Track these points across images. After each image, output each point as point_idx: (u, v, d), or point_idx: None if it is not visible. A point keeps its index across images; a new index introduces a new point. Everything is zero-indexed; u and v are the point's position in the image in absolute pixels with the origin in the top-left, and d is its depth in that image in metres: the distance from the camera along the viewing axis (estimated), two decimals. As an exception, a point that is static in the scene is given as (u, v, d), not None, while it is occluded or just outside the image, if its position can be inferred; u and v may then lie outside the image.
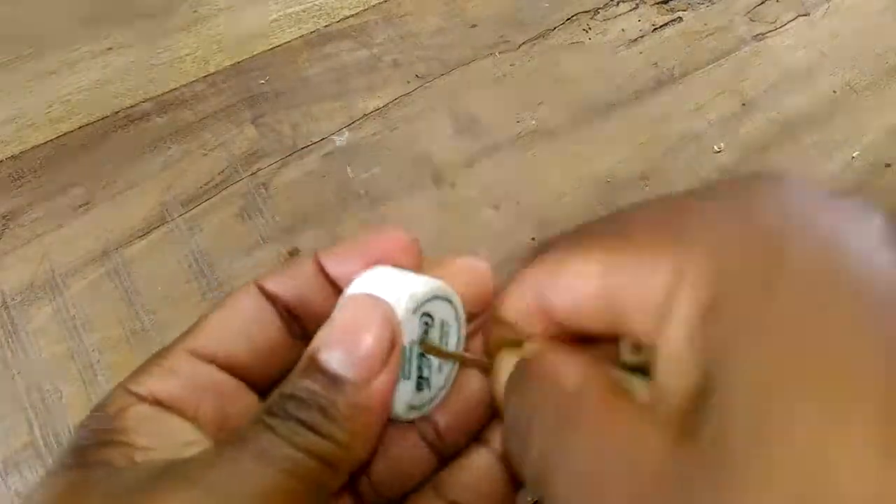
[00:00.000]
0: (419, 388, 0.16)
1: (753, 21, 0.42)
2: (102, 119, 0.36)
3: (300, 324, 0.17)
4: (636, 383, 0.13)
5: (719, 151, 0.37)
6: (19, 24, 0.39)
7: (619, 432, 0.11)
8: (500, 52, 0.40)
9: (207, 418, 0.15)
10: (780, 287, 0.10)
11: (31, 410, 0.30)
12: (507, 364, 0.15)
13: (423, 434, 0.17)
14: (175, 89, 0.37)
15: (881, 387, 0.09)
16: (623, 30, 0.41)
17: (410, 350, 0.15)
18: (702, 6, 0.42)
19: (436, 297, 0.15)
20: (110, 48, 0.38)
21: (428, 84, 0.38)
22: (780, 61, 0.40)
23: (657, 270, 0.12)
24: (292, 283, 0.17)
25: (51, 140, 0.36)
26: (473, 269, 0.17)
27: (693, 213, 0.12)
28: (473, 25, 0.40)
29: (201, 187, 0.35)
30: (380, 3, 0.40)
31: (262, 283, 0.17)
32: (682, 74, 0.39)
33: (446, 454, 0.17)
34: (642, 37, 0.41)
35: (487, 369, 0.16)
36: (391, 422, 0.16)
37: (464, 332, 0.17)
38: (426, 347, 0.16)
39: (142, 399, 0.15)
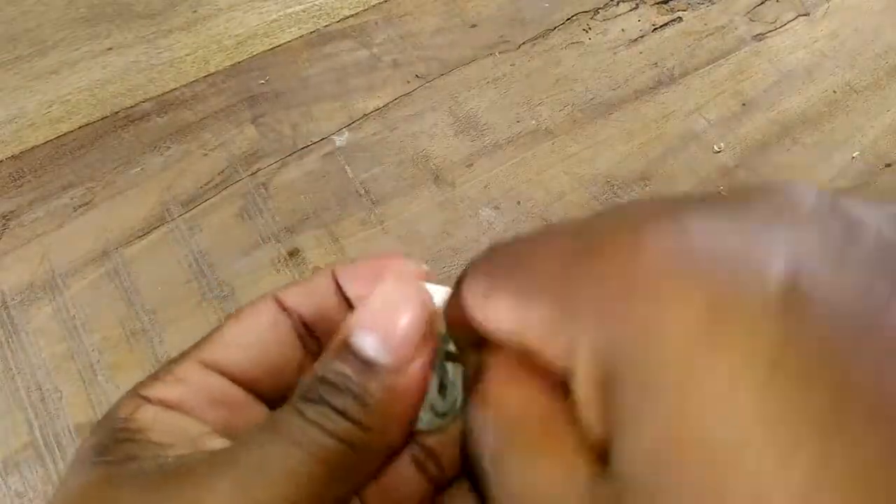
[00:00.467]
0: (441, 392, 0.15)
1: (753, 21, 0.42)
2: (102, 119, 0.36)
3: (315, 339, 0.17)
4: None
5: (719, 151, 0.37)
6: (19, 24, 0.39)
7: (549, 463, 0.11)
8: (500, 52, 0.40)
9: (215, 428, 0.15)
10: (659, 366, 0.09)
11: (31, 410, 0.30)
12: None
13: (416, 458, 0.16)
14: (175, 89, 0.37)
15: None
16: (623, 30, 0.41)
17: (439, 347, 0.15)
18: (702, 6, 0.42)
19: None
20: (110, 48, 0.38)
21: (428, 84, 0.38)
22: (780, 61, 0.40)
23: (558, 332, 0.11)
24: (310, 299, 0.16)
25: (51, 140, 0.36)
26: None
27: (583, 277, 0.11)
28: (473, 25, 0.40)
29: (201, 187, 0.35)
30: (380, 3, 0.40)
31: (281, 296, 0.16)
32: (682, 74, 0.39)
33: (441, 481, 0.16)
34: (642, 37, 0.41)
35: None
36: (412, 435, 0.15)
37: None
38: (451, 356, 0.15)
39: (150, 402, 0.15)
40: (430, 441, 0.16)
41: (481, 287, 0.13)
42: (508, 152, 0.36)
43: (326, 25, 0.40)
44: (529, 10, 0.41)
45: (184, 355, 0.16)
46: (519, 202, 0.35)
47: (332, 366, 0.14)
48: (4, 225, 0.34)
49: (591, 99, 0.38)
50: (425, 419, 0.15)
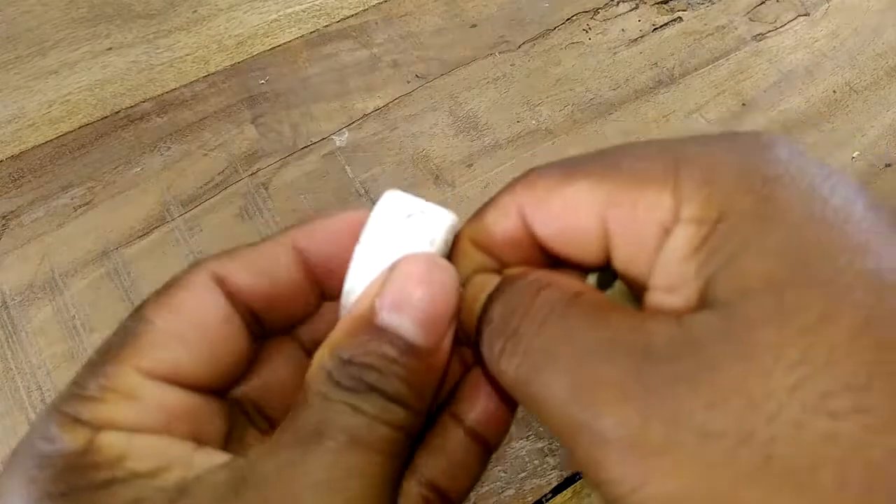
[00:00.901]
0: None
1: (753, 21, 0.42)
2: (102, 119, 0.36)
3: (261, 322, 0.15)
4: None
5: (719, 151, 0.37)
6: (20, 24, 0.39)
7: (619, 322, 0.12)
8: (500, 52, 0.40)
9: (182, 439, 0.13)
10: (776, 218, 0.11)
11: (31, 410, 0.30)
12: (487, 281, 0.15)
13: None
14: (175, 89, 0.37)
15: (865, 300, 0.10)
16: (623, 30, 0.41)
17: None
18: (702, 6, 0.42)
19: (452, 231, 0.15)
20: (110, 48, 0.38)
21: (428, 84, 0.38)
22: (780, 61, 0.40)
23: (655, 202, 0.13)
24: (261, 277, 0.15)
25: (51, 140, 0.36)
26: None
27: (689, 152, 0.13)
28: (473, 25, 0.40)
29: (201, 187, 0.35)
30: (380, 3, 0.40)
31: (222, 272, 0.14)
32: (682, 74, 0.39)
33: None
34: (642, 37, 0.41)
35: None
36: None
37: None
38: None
39: (101, 428, 0.13)
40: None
41: (555, 176, 0.14)
42: (508, 152, 0.36)
43: (326, 25, 0.40)
44: (529, 11, 0.41)
45: (114, 359, 0.13)
46: (519, 202, 0.35)
47: (374, 348, 0.13)
48: (4, 225, 0.34)
49: (591, 99, 0.38)
50: None
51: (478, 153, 0.36)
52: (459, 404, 0.16)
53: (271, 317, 0.15)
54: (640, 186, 0.13)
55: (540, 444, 0.30)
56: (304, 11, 0.40)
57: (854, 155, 0.37)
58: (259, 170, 0.35)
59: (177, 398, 0.14)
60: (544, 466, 0.29)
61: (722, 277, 0.11)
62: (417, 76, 0.39)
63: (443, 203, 0.35)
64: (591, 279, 0.15)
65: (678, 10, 0.42)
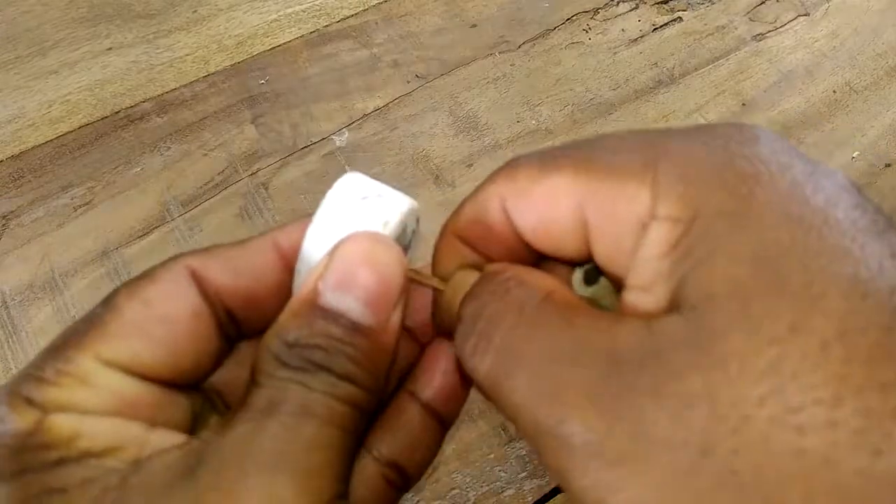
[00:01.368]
0: None
1: (753, 21, 0.42)
2: (102, 119, 0.36)
3: (235, 322, 0.15)
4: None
5: (719, 151, 0.37)
6: (20, 24, 0.39)
7: (587, 325, 0.12)
8: (500, 52, 0.40)
9: (136, 420, 0.13)
10: (751, 218, 0.11)
11: (31, 410, 0.30)
12: (467, 278, 0.15)
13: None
14: (175, 89, 0.37)
15: (838, 309, 0.10)
16: (623, 30, 0.41)
17: None
18: (702, 6, 0.42)
19: (410, 216, 0.15)
20: (110, 48, 0.38)
21: (428, 84, 0.38)
22: (780, 61, 0.40)
23: (633, 198, 0.12)
24: (240, 276, 0.14)
25: (51, 140, 0.36)
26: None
27: (669, 146, 0.12)
28: (473, 25, 0.40)
29: (201, 187, 0.35)
30: (380, 3, 0.40)
31: (199, 267, 0.14)
32: (682, 74, 0.39)
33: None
34: (642, 37, 0.41)
35: (434, 287, 0.16)
36: None
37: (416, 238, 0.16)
38: (413, 277, 0.15)
39: (49, 410, 0.12)
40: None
41: (535, 166, 0.13)
42: (508, 152, 0.36)
43: (326, 25, 0.40)
44: (529, 11, 0.41)
45: (75, 343, 0.13)
46: (519, 202, 0.35)
47: (319, 328, 0.13)
48: (5, 225, 0.34)
49: (591, 99, 0.38)
50: None
51: (478, 153, 0.36)
52: (415, 382, 0.16)
53: (249, 317, 0.15)
54: (619, 180, 0.12)
55: (540, 444, 0.30)
56: (304, 11, 0.40)
57: (854, 155, 0.37)
58: (259, 170, 0.35)
59: (133, 387, 0.13)
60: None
61: (691, 280, 0.11)
62: (417, 76, 0.39)
63: (443, 203, 0.35)
64: (578, 274, 0.15)
65: (678, 10, 0.42)
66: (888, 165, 0.37)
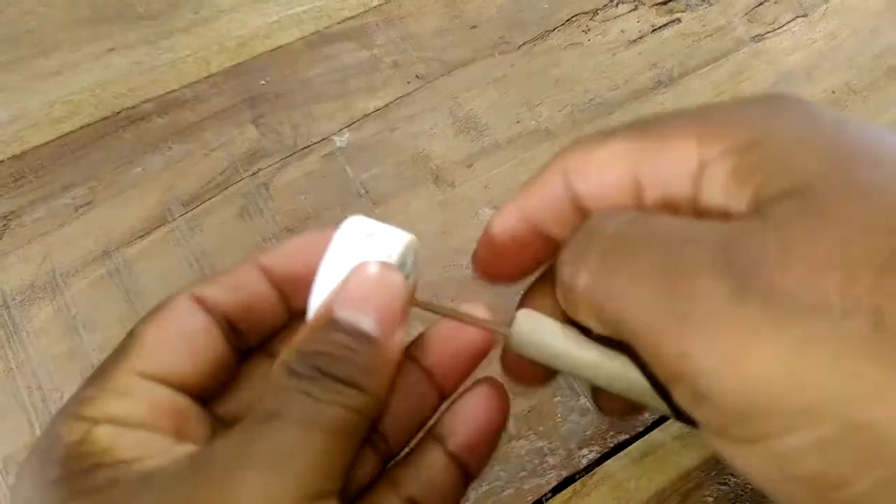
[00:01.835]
0: None
1: (752, 22, 0.42)
2: (104, 119, 0.36)
3: (238, 333, 0.17)
4: None
5: (718, 152, 0.37)
6: (21, 24, 0.39)
7: (690, 218, 0.13)
8: (500, 53, 0.40)
9: (166, 434, 0.15)
10: (811, 132, 0.12)
11: (31, 410, 0.30)
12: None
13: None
14: (176, 90, 0.37)
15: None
16: (622, 31, 0.41)
17: None
18: (700, 7, 0.42)
19: (409, 250, 0.17)
20: (112, 49, 0.38)
21: (428, 84, 0.38)
22: (778, 62, 0.40)
23: (683, 151, 0.14)
24: (234, 293, 0.16)
25: (52, 140, 0.36)
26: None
27: (716, 110, 0.14)
28: (473, 26, 0.41)
29: (202, 187, 0.35)
30: (380, 5, 0.41)
31: (200, 294, 0.16)
32: (682, 75, 0.39)
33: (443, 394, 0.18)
34: (641, 38, 0.41)
35: (474, 325, 0.17)
36: None
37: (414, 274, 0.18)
38: (421, 304, 0.17)
39: (98, 422, 0.14)
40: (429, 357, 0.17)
41: (594, 139, 0.16)
42: (508, 152, 0.37)
43: (327, 27, 0.40)
44: (529, 11, 0.41)
45: (111, 367, 0.15)
46: (519, 202, 0.35)
47: (330, 338, 0.14)
48: (6, 225, 0.34)
49: (591, 99, 0.38)
50: None
51: (478, 153, 0.36)
52: (443, 427, 0.17)
53: (247, 327, 0.17)
54: (669, 140, 0.14)
55: (540, 444, 0.30)
56: (304, 13, 0.40)
57: (853, 155, 0.38)
58: (260, 170, 0.35)
59: (165, 395, 0.15)
60: (544, 466, 0.30)
61: (776, 178, 0.11)
62: (418, 77, 0.39)
63: (443, 203, 0.35)
64: None
65: (677, 12, 0.42)
66: (887, 166, 0.37)
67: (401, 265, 0.16)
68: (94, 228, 0.34)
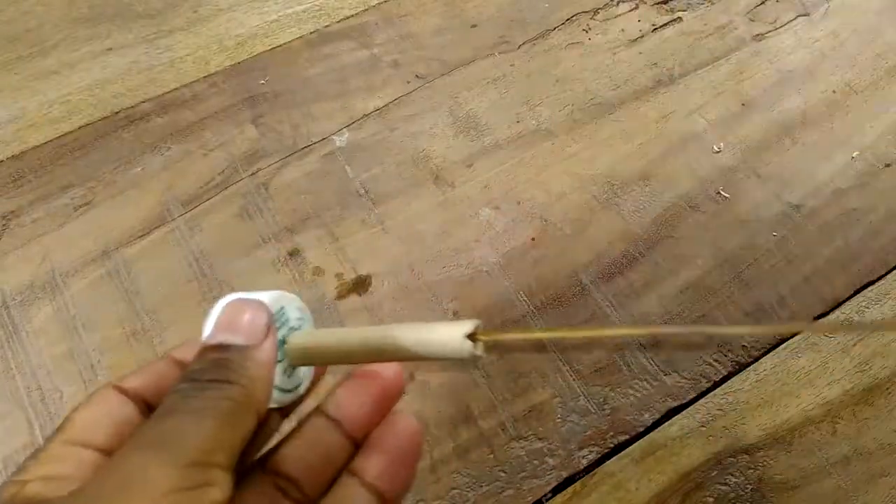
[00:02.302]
0: (286, 373, 0.19)
1: (753, 21, 0.42)
2: (103, 119, 0.36)
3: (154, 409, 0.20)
4: None
5: (719, 151, 0.37)
6: (20, 24, 0.39)
7: None
8: (500, 52, 0.40)
9: None
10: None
11: (31, 410, 0.30)
12: None
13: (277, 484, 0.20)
14: (175, 89, 0.37)
15: None
16: (623, 30, 0.41)
17: (281, 341, 0.19)
18: (701, 6, 0.42)
19: (284, 301, 0.19)
20: (110, 49, 0.38)
21: (428, 84, 0.38)
22: (779, 61, 0.40)
23: None
24: (150, 379, 0.20)
25: (51, 140, 0.36)
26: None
27: None
28: (473, 26, 0.40)
29: (201, 187, 0.35)
30: (380, 4, 0.40)
31: (121, 385, 0.20)
32: (682, 74, 0.39)
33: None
34: (642, 37, 0.41)
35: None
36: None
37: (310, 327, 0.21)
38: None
39: (30, 481, 0.17)
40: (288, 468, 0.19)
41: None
42: (508, 152, 0.36)
43: (327, 26, 0.40)
44: (529, 11, 0.41)
45: (47, 443, 0.18)
46: (519, 202, 0.35)
47: (206, 357, 0.18)
48: (5, 225, 0.34)
49: (591, 99, 0.38)
50: (274, 396, 0.19)
51: (478, 153, 0.36)
52: (356, 463, 0.19)
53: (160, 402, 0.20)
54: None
55: (539, 445, 0.30)
56: (304, 12, 0.40)
57: (854, 155, 0.37)
58: (259, 170, 0.35)
59: (90, 456, 0.18)
60: (543, 466, 0.29)
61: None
62: (417, 76, 0.39)
63: (443, 203, 0.35)
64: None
65: (678, 11, 0.42)
66: (888, 165, 0.37)
67: (276, 311, 0.19)
68: (93, 228, 0.34)
